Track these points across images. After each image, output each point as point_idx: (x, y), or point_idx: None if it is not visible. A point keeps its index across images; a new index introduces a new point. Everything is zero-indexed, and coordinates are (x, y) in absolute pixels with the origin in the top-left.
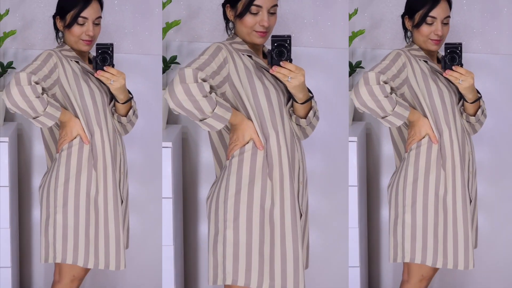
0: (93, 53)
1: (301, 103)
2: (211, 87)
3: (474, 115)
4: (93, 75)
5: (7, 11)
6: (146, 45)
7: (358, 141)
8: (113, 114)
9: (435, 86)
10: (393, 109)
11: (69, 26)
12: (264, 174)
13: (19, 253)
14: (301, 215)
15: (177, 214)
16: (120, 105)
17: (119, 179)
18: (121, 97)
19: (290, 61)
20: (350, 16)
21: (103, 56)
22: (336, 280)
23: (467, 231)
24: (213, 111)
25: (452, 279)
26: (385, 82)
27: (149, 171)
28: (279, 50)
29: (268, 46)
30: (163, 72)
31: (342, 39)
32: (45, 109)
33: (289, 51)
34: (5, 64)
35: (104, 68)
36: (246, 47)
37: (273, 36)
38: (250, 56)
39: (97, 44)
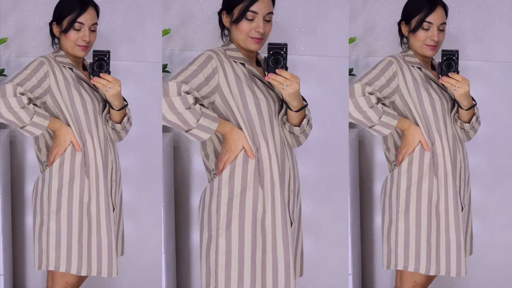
0: (89, 60)
1: (296, 111)
2: (197, 99)
3: (469, 122)
4: (87, 83)
5: None
6: (143, 52)
7: (350, 148)
8: (107, 121)
9: (426, 95)
10: (380, 118)
11: (65, 31)
12: (255, 182)
13: (13, 260)
14: (291, 223)
15: (169, 221)
16: (115, 112)
17: (111, 187)
18: (116, 103)
19: (286, 69)
20: None
21: (100, 63)
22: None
23: (459, 238)
24: (197, 122)
25: (447, 284)
26: (371, 93)
27: (144, 178)
28: (275, 58)
29: (264, 54)
30: None
31: (341, 47)
32: (31, 119)
33: (285, 59)
34: None
35: (100, 74)
36: (240, 54)
37: (269, 44)
38: (243, 64)
39: (94, 51)
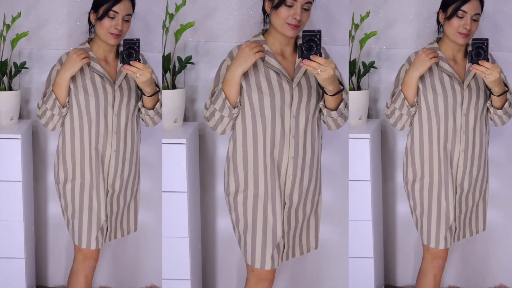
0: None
1: (331, 95)
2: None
3: (502, 108)
4: (101, 76)
5: (19, 14)
6: (148, 43)
7: (371, 138)
8: (139, 109)
9: (431, 90)
10: (394, 104)
11: (101, 18)
12: (243, 169)
13: (35, 245)
14: (285, 204)
15: (193, 208)
16: (147, 98)
17: (108, 173)
18: (147, 90)
19: (320, 55)
20: (363, 18)
21: (129, 51)
22: (345, 270)
23: (448, 217)
24: (216, 109)
25: (467, 272)
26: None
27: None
28: (309, 45)
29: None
30: (179, 71)
31: (343, 36)
32: (47, 108)
33: (318, 45)
34: (18, 64)
35: (130, 62)
36: (265, 47)
37: (303, 31)
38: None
39: (124, 40)
